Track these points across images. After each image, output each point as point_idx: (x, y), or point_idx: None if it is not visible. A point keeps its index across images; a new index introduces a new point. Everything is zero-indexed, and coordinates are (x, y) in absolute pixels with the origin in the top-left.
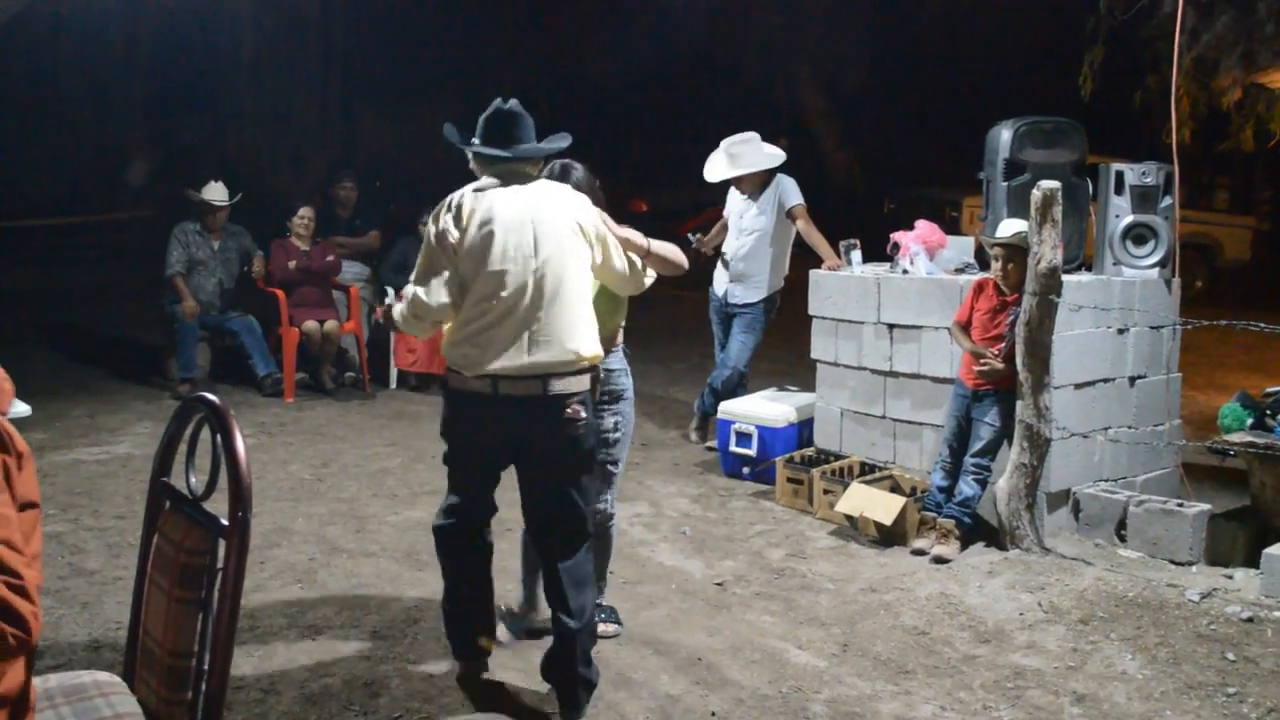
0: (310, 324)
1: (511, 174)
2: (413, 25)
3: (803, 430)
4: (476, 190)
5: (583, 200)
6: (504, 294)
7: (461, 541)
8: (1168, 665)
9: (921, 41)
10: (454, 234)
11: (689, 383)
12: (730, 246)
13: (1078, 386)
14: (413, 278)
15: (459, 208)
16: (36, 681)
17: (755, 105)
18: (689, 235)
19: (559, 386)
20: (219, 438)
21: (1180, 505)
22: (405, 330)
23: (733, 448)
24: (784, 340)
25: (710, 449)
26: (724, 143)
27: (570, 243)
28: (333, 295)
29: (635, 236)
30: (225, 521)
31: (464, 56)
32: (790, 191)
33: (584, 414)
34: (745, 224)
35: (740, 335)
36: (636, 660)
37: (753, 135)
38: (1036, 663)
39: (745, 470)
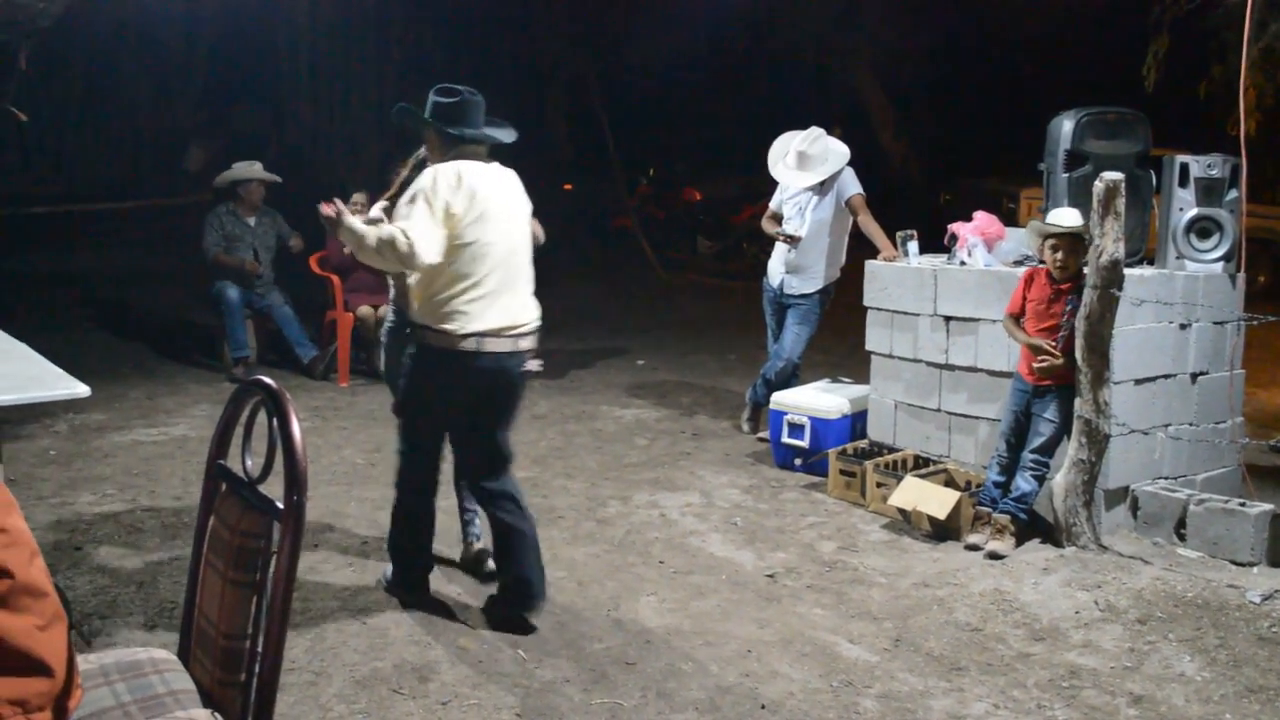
0: (364, 309)
1: (481, 155)
2: (468, 13)
3: (856, 422)
4: (460, 165)
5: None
6: (493, 260)
7: (423, 478)
8: (1227, 668)
9: (981, 30)
10: (459, 204)
11: (741, 373)
12: None
13: (1138, 382)
14: (408, 225)
15: (461, 180)
16: (93, 658)
17: (810, 94)
18: (782, 238)
19: (525, 344)
20: (275, 421)
21: (1242, 505)
22: (355, 250)
23: (785, 439)
24: (837, 331)
25: (762, 440)
26: (792, 143)
27: (526, 214)
28: (387, 280)
29: None
30: (280, 505)
31: (519, 44)
32: (849, 181)
33: (536, 366)
34: (803, 214)
35: (794, 326)
36: (687, 650)
37: (819, 131)
38: (1092, 662)
39: (797, 462)
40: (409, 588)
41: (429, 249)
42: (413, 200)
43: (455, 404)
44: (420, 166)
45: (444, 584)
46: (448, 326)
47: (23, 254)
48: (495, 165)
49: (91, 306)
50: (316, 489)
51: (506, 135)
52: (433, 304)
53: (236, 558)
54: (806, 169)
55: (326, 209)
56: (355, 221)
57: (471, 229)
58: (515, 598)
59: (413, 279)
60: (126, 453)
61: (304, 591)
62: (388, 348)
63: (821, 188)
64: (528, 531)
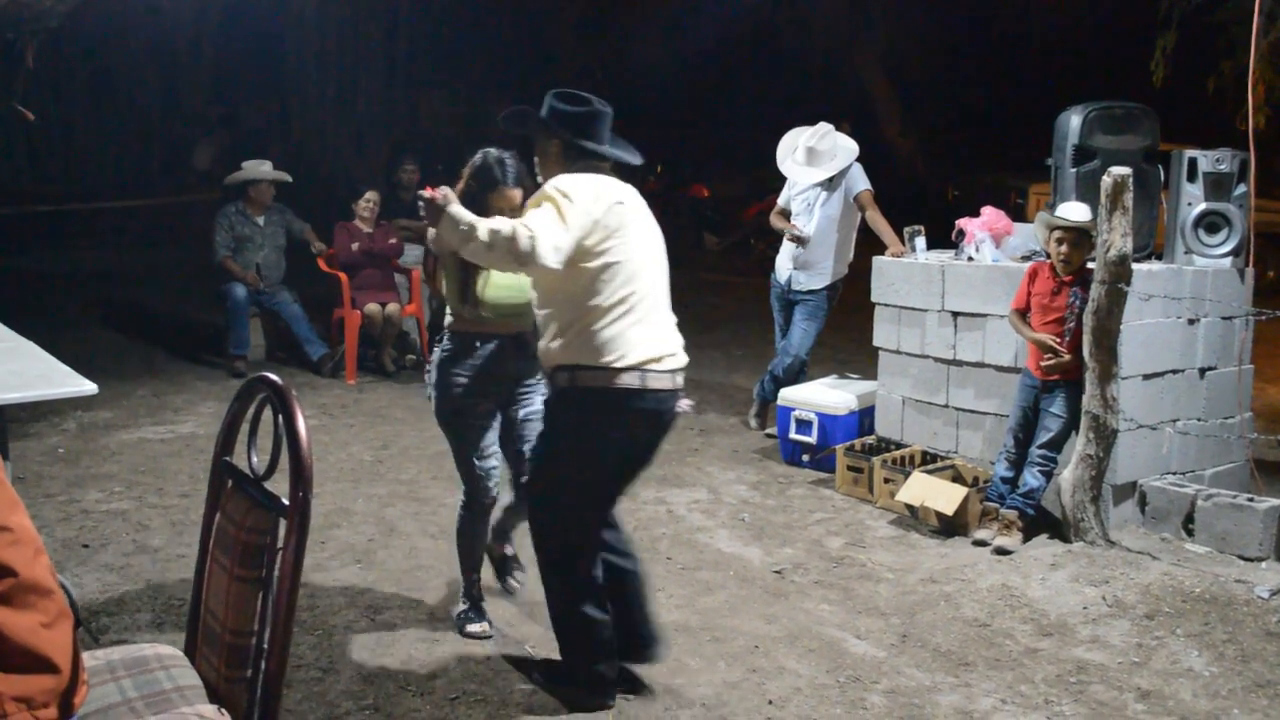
0: (372, 306)
1: (608, 172)
2: (475, 10)
3: (863, 418)
4: (597, 176)
5: None
6: (648, 285)
7: (591, 549)
8: (1235, 663)
9: (989, 26)
10: (599, 213)
11: (748, 369)
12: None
13: (1146, 377)
14: (531, 220)
15: (599, 191)
16: (100, 654)
17: (818, 90)
18: (793, 234)
19: (680, 380)
20: (281, 418)
21: (1250, 500)
22: (454, 240)
23: (792, 435)
24: (845, 327)
25: (770, 436)
26: (800, 139)
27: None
28: (394, 278)
29: None
30: (286, 501)
31: (526, 40)
32: (857, 177)
33: (687, 407)
34: (812, 210)
35: (802, 322)
36: (694, 646)
37: (828, 127)
38: (1100, 657)
39: (805, 458)
40: (601, 692)
41: (552, 251)
42: (540, 205)
43: (617, 459)
44: (481, 174)
45: (451, 582)
46: (606, 359)
47: (30, 252)
48: (626, 184)
49: (99, 305)
50: (324, 486)
51: (634, 157)
52: (585, 335)
53: (242, 554)
54: (815, 164)
55: (433, 193)
56: (463, 210)
57: (620, 246)
58: (631, 649)
59: (542, 313)
60: (134, 450)
61: (311, 588)
62: (442, 383)
63: (830, 184)
64: (640, 577)
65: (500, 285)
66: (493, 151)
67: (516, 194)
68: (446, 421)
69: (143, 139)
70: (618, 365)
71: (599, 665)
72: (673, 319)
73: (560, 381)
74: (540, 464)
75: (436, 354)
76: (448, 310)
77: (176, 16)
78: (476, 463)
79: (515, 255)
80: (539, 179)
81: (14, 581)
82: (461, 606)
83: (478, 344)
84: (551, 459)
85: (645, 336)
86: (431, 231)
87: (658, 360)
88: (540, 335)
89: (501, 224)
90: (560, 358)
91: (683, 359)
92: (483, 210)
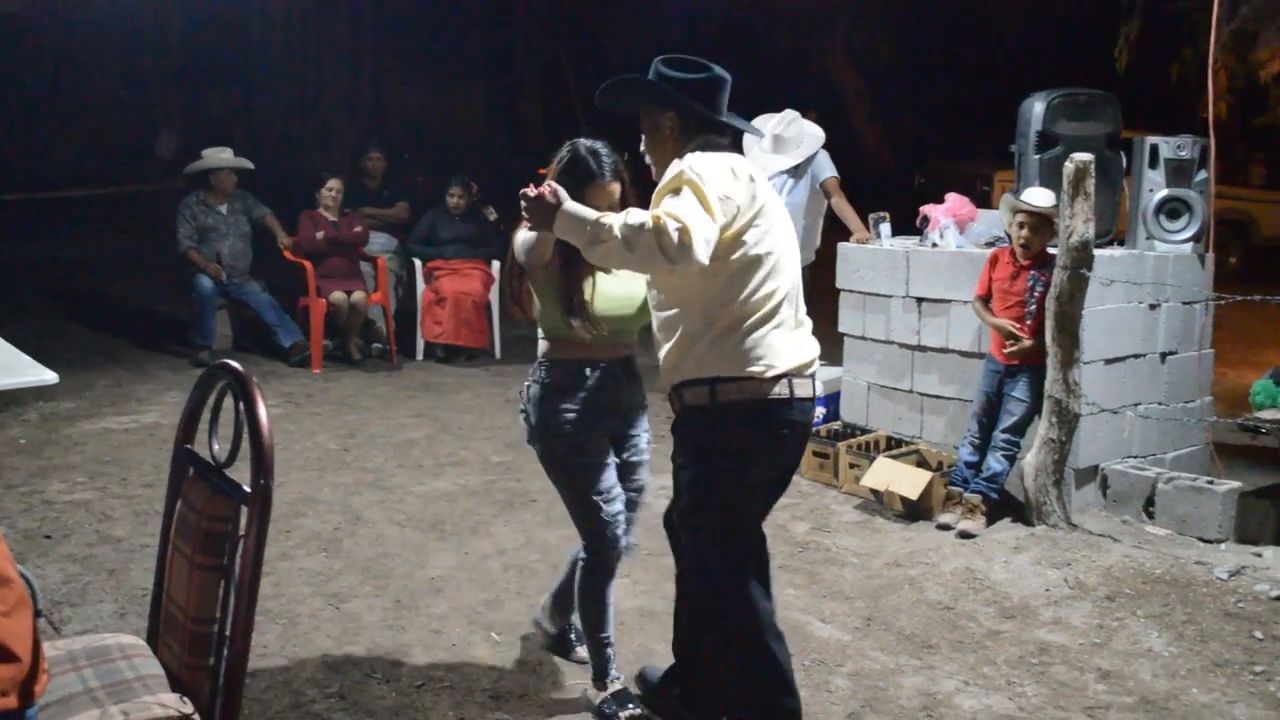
0: (338, 295)
1: (727, 149)
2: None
3: (829, 404)
4: (734, 158)
5: None
6: (791, 281)
7: (755, 573)
8: (1195, 643)
9: (953, 13)
10: (741, 197)
11: None
12: None
13: (1108, 362)
14: (683, 213)
15: (736, 171)
16: (61, 644)
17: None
18: None
19: (819, 387)
20: (242, 405)
21: (1210, 482)
22: (576, 238)
23: None
24: (810, 313)
25: None
26: (767, 126)
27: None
28: (360, 266)
29: None
30: (248, 489)
31: (493, 27)
32: (823, 164)
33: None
34: (778, 197)
35: None
36: (660, 632)
37: (793, 115)
38: (1062, 639)
39: None
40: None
41: (704, 245)
42: (677, 191)
43: (764, 479)
44: (573, 169)
45: (417, 569)
46: (753, 369)
47: None
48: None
49: (61, 294)
50: (289, 474)
51: (760, 131)
52: (724, 343)
53: (204, 542)
54: (781, 152)
55: (540, 190)
56: (580, 207)
57: (762, 236)
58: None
59: (666, 315)
60: (97, 440)
61: (276, 577)
62: (546, 422)
63: (796, 171)
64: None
65: (611, 296)
66: (584, 142)
67: (615, 188)
68: (564, 465)
69: (104, 127)
70: (767, 375)
71: (786, 699)
72: (805, 317)
73: (691, 399)
74: (685, 498)
75: (534, 390)
76: (540, 336)
77: (139, 3)
78: (604, 507)
79: (665, 253)
80: (649, 163)
81: None
82: (604, 694)
83: (587, 371)
84: (694, 488)
85: (791, 340)
86: (521, 239)
87: (807, 366)
88: (659, 345)
89: (638, 217)
90: (693, 371)
91: (819, 364)
92: None
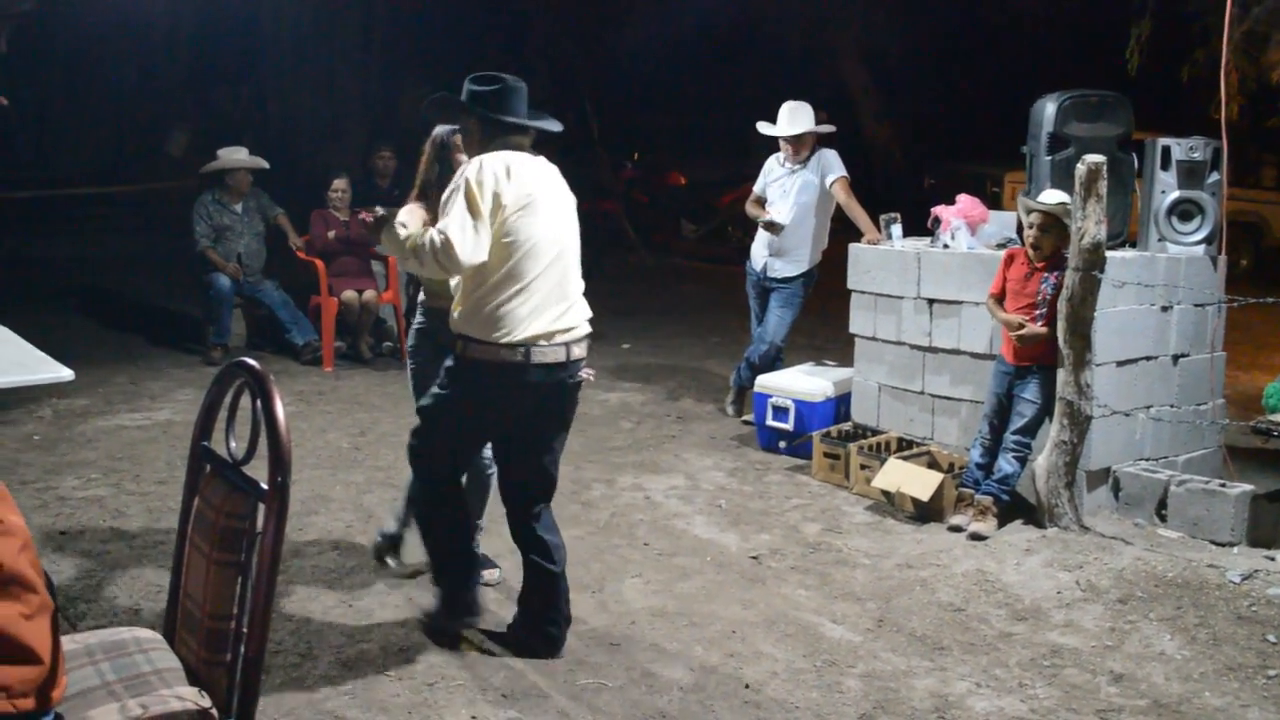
0: (349, 294)
1: (526, 146)
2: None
3: (840, 405)
4: (509, 156)
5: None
6: (543, 260)
7: (454, 490)
8: (1207, 646)
9: (965, 14)
10: (504, 196)
11: (724, 356)
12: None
13: (1120, 364)
14: (446, 223)
15: (502, 170)
16: (78, 638)
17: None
18: (767, 221)
19: (577, 351)
20: (259, 403)
21: (1222, 485)
22: (395, 255)
23: (769, 421)
24: (821, 314)
25: (747, 423)
26: (781, 108)
27: (574, 210)
28: (371, 265)
29: None
30: (265, 486)
31: (504, 27)
32: (833, 164)
33: (590, 376)
34: (787, 197)
35: (778, 310)
36: (671, 631)
37: (803, 102)
38: (1073, 641)
39: (781, 444)
40: (465, 610)
41: (471, 249)
42: (453, 193)
43: (497, 423)
44: (441, 149)
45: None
46: (494, 335)
47: (3, 239)
48: (541, 158)
49: (74, 292)
50: (302, 473)
51: (553, 125)
52: (477, 310)
53: (221, 538)
54: (791, 121)
55: (366, 216)
56: (395, 228)
57: (523, 225)
58: (537, 643)
59: (454, 281)
60: (110, 437)
61: (289, 574)
62: (414, 350)
63: (801, 169)
64: (558, 579)
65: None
66: (443, 129)
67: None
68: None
69: (117, 125)
70: (506, 341)
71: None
72: (577, 292)
73: (455, 347)
74: (426, 410)
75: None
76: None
77: (153, 2)
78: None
79: (441, 265)
80: (451, 147)
81: None
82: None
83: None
84: (434, 411)
85: (541, 313)
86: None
87: (555, 335)
88: (434, 294)
89: (419, 236)
90: (458, 325)
91: (582, 332)
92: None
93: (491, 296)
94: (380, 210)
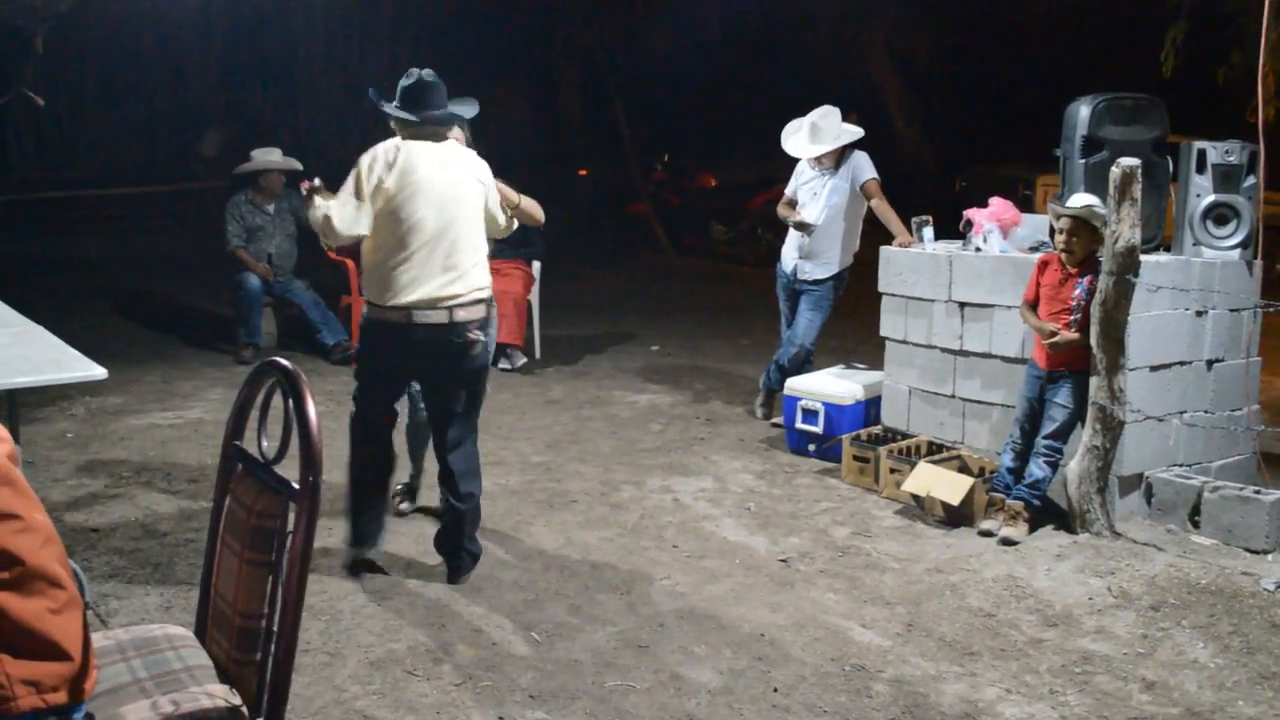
0: None
1: (426, 134)
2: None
3: (870, 408)
4: (401, 145)
5: (477, 157)
6: (424, 236)
7: (368, 430)
8: (1241, 655)
9: (998, 15)
10: (386, 180)
11: (754, 358)
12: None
13: (1153, 368)
14: (335, 202)
15: (389, 158)
16: (110, 634)
17: (826, 80)
18: (797, 223)
19: (462, 315)
20: (291, 402)
21: (1257, 492)
22: (316, 227)
23: (799, 424)
24: (851, 317)
25: (776, 425)
26: (805, 119)
27: (471, 192)
28: None
29: (509, 192)
30: (296, 485)
31: (535, 30)
32: (864, 166)
33: (481, 336)
34: (818, 199)
35: (808, 312)
36: (699, 634)
37: (833, 109)
38: (1105, 648)
39: (811, 447)
40: (354, 539)
41: (349, 223)
42: (349, 172)
43: (395, 372)
44: (476, 138)
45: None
46: (384, 298)
47: (38, 239)
48: (449, 145)
49: (107, 291)
50: (330, 473)
51: (468, 109)
52: (370, 276)
53: (252, 538)
54: (817, 141)
55: (305, 185)
56: (314, 200)
57: (405, 205)
58: (449, 569)
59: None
60: (142, 436)
61: (319, 574)
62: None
63: (832, 172)
64: (458, 512)
65: None
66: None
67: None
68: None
69: (150, 126)
70: (389, 304)
71: (363, 527)
72: (464, 264)
73: (362, 309)
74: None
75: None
76: None
77: (185, 3)
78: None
79: (325, 236)
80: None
81: (21, 569)
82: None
83: None
84: (358, 358)
85: (417, 283)
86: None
87: (430, 303)
88: None
89: (318, 210)
90: (363, 290)
91: (464, 299)
92: None
93: (381, 266)
94: (318, 181)
